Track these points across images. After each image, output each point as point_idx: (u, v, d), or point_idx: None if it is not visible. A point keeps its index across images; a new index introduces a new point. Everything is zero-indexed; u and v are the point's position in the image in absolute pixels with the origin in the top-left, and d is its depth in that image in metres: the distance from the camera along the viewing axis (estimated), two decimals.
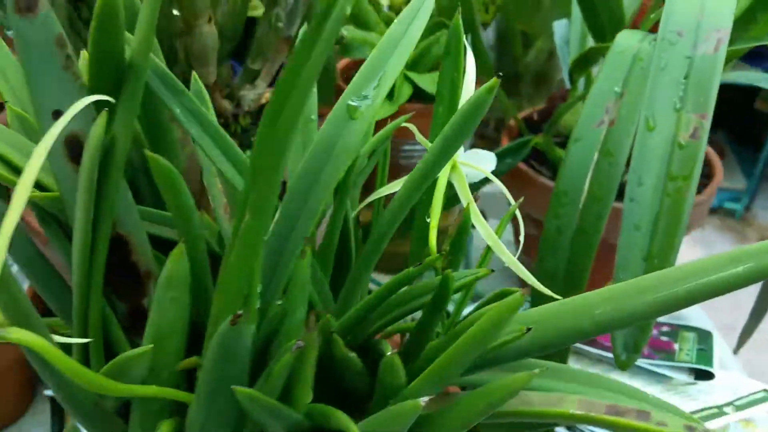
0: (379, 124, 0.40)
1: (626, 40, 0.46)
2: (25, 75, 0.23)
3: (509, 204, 0.74)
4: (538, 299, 0.50)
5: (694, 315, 0.67)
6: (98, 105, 0.25)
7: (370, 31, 0.61)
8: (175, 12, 0.44)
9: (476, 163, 0.38)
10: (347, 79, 0.72)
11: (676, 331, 0.61)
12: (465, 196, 0.36)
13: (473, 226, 0.35)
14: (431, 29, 0.65)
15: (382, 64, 0.29)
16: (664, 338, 0.60)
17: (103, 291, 0.30)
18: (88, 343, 0.29)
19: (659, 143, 0.42)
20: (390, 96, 0.61)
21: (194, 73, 0.32)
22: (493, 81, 0.26)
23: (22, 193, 0.21)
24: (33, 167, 0.21)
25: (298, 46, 0.21)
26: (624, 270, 0.43)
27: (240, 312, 0.22)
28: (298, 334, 0.24)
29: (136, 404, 0.28)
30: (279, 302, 0.24)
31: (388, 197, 0.36)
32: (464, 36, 0.70)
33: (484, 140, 0.97)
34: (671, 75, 0.43)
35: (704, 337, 0.60)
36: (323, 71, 0.29)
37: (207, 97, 0.31)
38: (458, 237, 0.37)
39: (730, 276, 0.24)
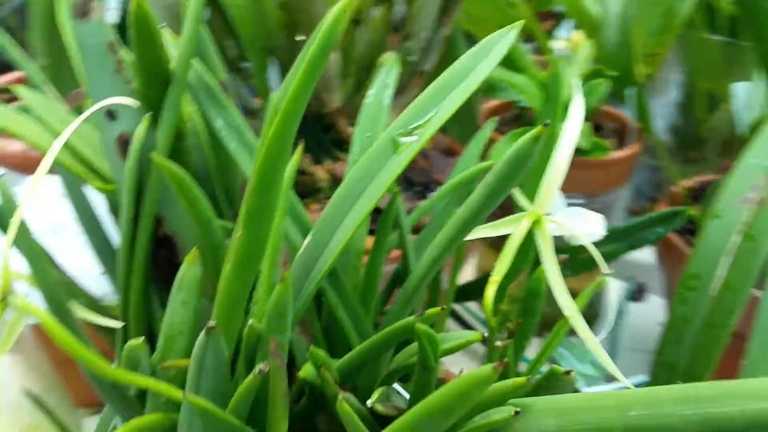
0: None
1: None
2: (84, 74, 0.25)
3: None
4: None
5: None
6: (150, 107, 0.27)
7: (519, 74, 0.59)
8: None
9: (579, 223, 0.35)
10: None
11: None
12: (546, 257, 0.32)
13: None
14: (588, 76, 0.61)
15: (438, 99, 0.27)
16: None
17: (156, 282, 0.31)
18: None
19: None
20: None
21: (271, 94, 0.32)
22: (537, 130, 0.23)
23: (46, 162, 0.23)
24: (61, 140, 0.23)
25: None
26: (752, 376, 0.36)
27: (212, 324, 0.21)
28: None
29: (149, 394, 0.28)
30: (251, 323, 0.23)
31: None
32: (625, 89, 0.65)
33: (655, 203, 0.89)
34: None
35: None
36: (465, 112, 0.28)
37: None
38: (529, 301, 0.33)
39: None
